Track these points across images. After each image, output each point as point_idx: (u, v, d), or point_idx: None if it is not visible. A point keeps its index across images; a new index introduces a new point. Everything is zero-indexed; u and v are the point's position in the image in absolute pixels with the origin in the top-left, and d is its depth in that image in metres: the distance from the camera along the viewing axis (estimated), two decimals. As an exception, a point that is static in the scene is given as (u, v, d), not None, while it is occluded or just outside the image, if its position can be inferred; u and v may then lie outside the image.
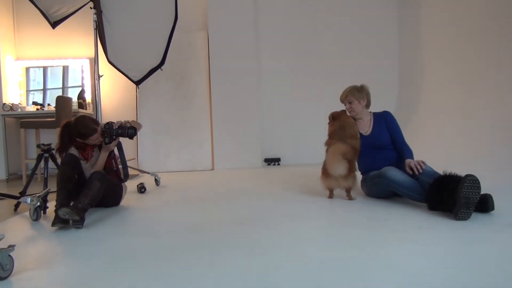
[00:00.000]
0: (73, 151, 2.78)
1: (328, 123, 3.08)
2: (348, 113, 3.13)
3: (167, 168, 5.45)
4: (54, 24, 3.14)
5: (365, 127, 3.11)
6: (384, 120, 3.08)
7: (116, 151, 3.02)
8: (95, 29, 3.94)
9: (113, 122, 2.88)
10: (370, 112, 3.18)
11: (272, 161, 5.78)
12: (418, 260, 1.65)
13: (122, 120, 2.96)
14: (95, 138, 2.78)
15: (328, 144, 2.94)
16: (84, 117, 2.82)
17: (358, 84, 3.19)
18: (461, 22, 4.47)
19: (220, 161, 5.56)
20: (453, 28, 4.62)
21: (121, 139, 2.98)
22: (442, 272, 1.50)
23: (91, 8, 3.90)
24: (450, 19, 4.70)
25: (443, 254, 1.71)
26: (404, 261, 1.64)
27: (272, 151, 5.84)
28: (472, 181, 2.13)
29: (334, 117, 3.05)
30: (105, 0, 3.85)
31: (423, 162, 2.61)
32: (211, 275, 1.57)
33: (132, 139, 3.02)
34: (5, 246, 1.62)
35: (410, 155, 2.82)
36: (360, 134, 3.07)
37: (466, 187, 2.13)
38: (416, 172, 2.58)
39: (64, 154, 2.74)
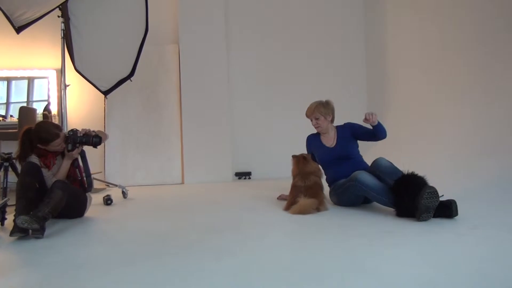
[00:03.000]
0: (33, 158, 2.66)
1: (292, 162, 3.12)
2: (315, 129, 3.24)
3: (135, 182, 5.32)
4: (18, 29, 3.04)
5: (330, 140, 3.20)
6: (347, 130, 3.18)
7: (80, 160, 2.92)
8: (62, 37, 3.85)
9: (78, 130, 2.79)
10: (334, 126, 3.27)
11: (243, 175, 5.75)
12: (387, 262, 1.66)
13: (87, 128, 2.87)
14: (57, 144, 2.68)
15: (292, 185, 2.99)
16: (45, 122, 2.73)
17: (323, 99, 3.25)
18: (427, 29, 4.66)
19: (190, 175, 5.48)
20: (418, 35, 4.82)
21: (87, 149, 2.89)
22: (410, 273, 1.52)
23: (58, 16, 3.82)
24: (415, 25, 4.89)
25: (411, 256, 1.73)
26: (373, 263, 1.65)
27: (243, 165, 5.82)
28: (431, 193, 2.26)
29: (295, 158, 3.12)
30: (73, 7, 3.78)
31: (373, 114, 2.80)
32: (176, 279, 1.52)
33: (96, 148, 2.91)
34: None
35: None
36: (326, 147, 3.18)
37: (425, 198, 2.25)
38: (369, 120, 2.80)
39: (24, 162, 2.63)
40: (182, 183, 5.46)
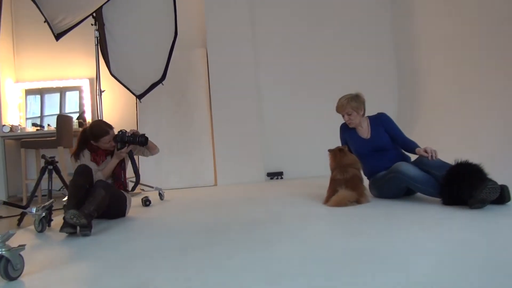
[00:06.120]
0: (86, 153, 2.85)
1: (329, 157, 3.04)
2: (348, 124, 3.13)
3: (169, 185, 5.37)
4: (57, 36, 3.14)
5: (364, 133, 3.11)
6: (381, 122, 3.09)
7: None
8: (96, 44, 3.96)
9: (126, 130, 2.92)
10: (366, 117, 3.18)
11: (275, 175, 5.73)
12: (449, 245, 1.61)
13: (135, 129, 2.99)
14: (107, 141, 2.83)
15: (331, 179, 2.92)
16: (99, 120, 2.94)
17: (353, 92, 3.15)
18: (456, 23, 4.54)
19: (222, 177, 5.50)
20: (448, 28, 4.69)
21: None
22: (466, 256, 1.46)
23: (92, 24, 3.93)
24: (444, 18, 4.78)
25: (464, 241, 1.67)
26: (435, 246, 1.60)
27: (275, 165, 5.79)
28: (493, 188, 2.14)
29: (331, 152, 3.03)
30: (107, 13, 3.88)
31: (435, 151, 2.62)
32: (228, 267, 1.52)
33: (143, 147, 3.03)
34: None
35: (417, 146, 2.82)
36: (361, 138, 3.10)
37: (485, 192, 2.13)
38: (430, 158, 2.58)
39: (78, 161, 2.81)
40: (215, 185, 5.48)
